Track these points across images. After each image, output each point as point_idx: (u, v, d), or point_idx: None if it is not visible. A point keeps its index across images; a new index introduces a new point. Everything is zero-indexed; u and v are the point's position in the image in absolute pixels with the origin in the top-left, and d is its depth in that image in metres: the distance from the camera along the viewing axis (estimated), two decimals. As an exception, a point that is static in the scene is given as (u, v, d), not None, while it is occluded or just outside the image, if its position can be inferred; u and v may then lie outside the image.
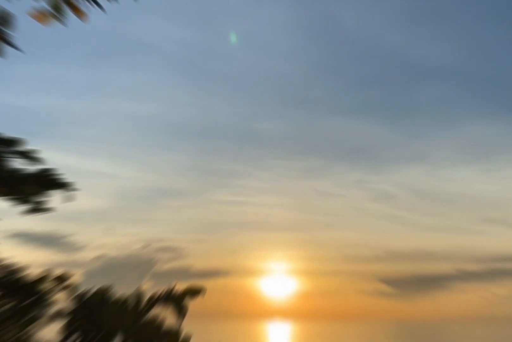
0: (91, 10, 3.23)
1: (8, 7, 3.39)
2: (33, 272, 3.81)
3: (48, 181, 4.22)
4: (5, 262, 3.90)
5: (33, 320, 3.95)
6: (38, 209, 4.28)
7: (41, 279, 3.76)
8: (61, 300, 3.55)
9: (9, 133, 4.24)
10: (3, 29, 3.20)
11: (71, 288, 2.80)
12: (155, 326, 2.33)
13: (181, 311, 2.44)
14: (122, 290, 2.55)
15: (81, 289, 2.56)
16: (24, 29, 3.53)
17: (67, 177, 4.24)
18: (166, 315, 2.52)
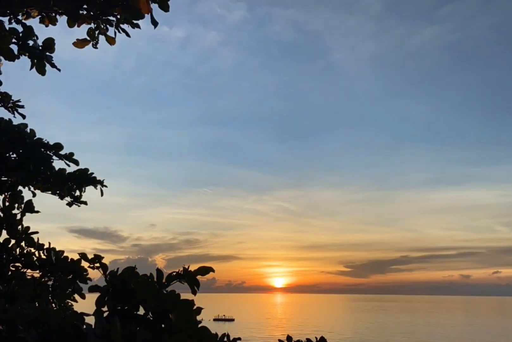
0: (117, 35, 3.48)
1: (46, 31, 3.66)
2: (74, 255, 4.10)
3: (84, 179, 4.51)
4: (48, 247, 4.18)
5: (72, 293, 4.23)
6: (77, 202, 4.61)
7: (79, 260, 4.05)
8: (96, 277, 3.82)
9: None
10: (46, 52, 3.45)
11: (104, 267, 3.03)
12: (173, 298, 2.55)
13: (194, 286, 2.71)
14: (148, 269, 2.81)
15: (114, 268, 2.79)
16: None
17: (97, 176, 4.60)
18: (182, 289, 2.79)
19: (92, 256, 3.55)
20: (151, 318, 2.45)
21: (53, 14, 3.43)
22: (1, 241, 4.11)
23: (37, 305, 3.82)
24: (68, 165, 4.48)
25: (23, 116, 4.28)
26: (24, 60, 3.45)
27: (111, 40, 3.49)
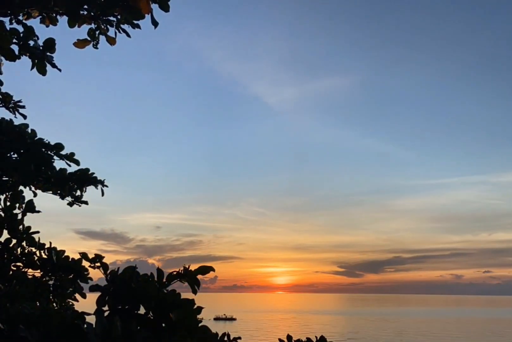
0: (117, 35, 3.47)
1: (48, 30, 3.65)
2: (77, 255, 4.08)
3: (85, 179, 4.50)
4: (48, 246, 4.17)
5: (73, 293, 4.22)
6: (78, 202, 4.60)
7: (80, 260, 4.03)
8: (96, 277, 3.81)
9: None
10: (46, 52, 3.43)
11: (104, 267, 3.02)
12: (174, 297, 2.53)
13: (194, 285, 2.69)
14: (148, 268, 2.80)
15: (115, 268, 2.77)
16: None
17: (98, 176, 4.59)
18: (182, 289, 2.78)
19: (93, 256, 3.54)
20: (152, 318, 2.44)
21: (54, 15, 3.41)
22: (2, 241, 4.10)
23: (38, 304, 3.81)
24: (69, 165, 4.46)
25: (24, 117, 4.27)
26: (25, 61, 3.44)
27: (111, 40, 3.48)
